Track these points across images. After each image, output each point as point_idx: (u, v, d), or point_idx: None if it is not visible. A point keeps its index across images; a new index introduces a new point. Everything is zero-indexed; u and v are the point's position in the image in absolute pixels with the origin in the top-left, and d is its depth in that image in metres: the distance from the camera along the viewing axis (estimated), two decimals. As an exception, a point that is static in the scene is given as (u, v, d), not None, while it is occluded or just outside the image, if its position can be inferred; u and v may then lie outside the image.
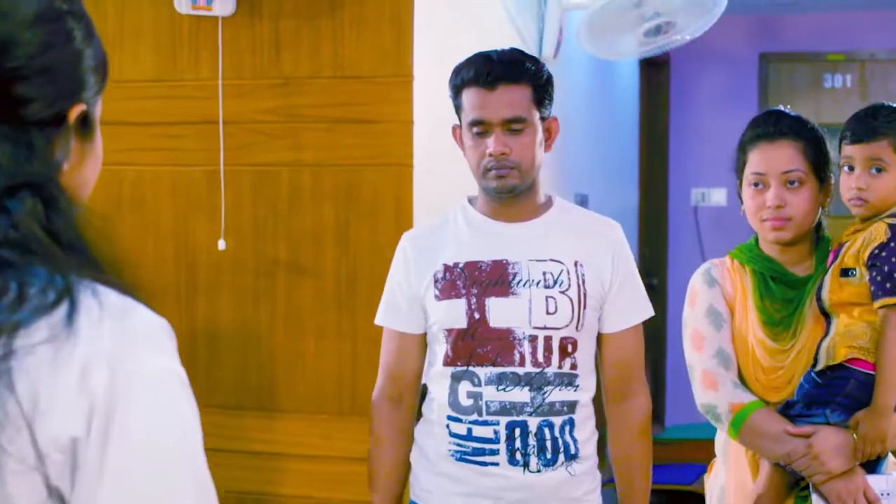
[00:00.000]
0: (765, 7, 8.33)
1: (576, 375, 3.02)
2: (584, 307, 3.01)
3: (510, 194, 3.03)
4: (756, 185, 3.07)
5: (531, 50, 5.10)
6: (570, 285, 3.01)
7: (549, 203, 3.13)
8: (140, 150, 4.20)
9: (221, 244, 4.07)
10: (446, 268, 3.05)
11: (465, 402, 3.02)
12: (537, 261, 3.02)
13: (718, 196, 8.42)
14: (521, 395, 2.98)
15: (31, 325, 1.21)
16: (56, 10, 1.37)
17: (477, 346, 3.00)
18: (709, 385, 3.06)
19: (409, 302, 3.11)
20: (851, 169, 3.01)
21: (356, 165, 4.00)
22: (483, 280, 3.01)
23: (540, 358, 2.98)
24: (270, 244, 4.11)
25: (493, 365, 2.98)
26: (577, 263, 3.03)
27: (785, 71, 8.65)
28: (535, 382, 2.98)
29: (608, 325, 3.09)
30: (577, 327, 3.01)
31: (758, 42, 8.68)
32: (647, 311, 3.14)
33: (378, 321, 3.19)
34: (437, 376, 3.08)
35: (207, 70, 4.12)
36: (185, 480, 1.26)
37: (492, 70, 2.99)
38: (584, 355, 3.04)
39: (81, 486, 1.21)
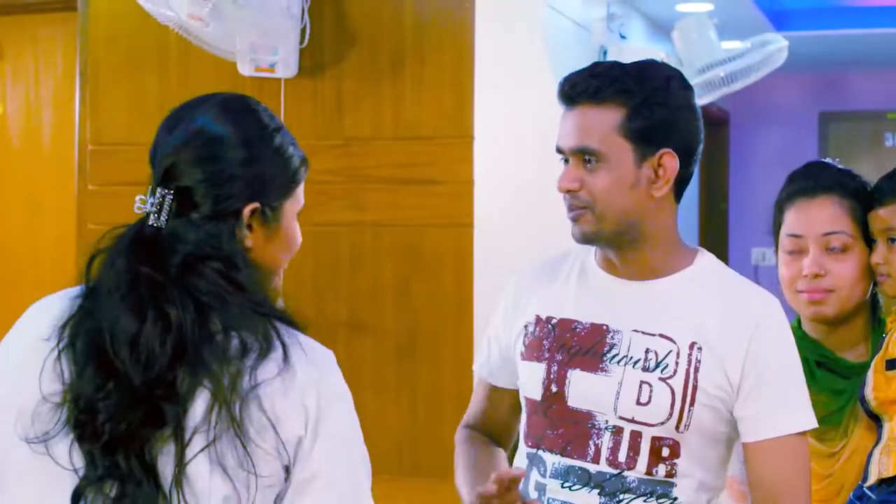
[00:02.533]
0: (824, 65, 8.30)
1: (672, 485, 2.28)
2: (692, 403, 2.26)
3: (591, 244, 2.37)
4: (791, 250, 2.58)
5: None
6: (675, 372, 2.27)
7: (687, 259, 2.38)
8: (202, 210, 4.23)
9: (280, 303, 4.07)
10: (538, 320, 2.41)
11: (533, 493, 2.37)
12: (643, 333, 2.30)
13: (779, 255, 8.37)
14: (589, 498, 2.30)
15: (262, 365, 1.78)
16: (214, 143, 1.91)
17: (549, 426, 2.35)
18: (738, 497, 2.54)
19: (502, 350, 2.50)
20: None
21: (417, 225, 4.01)
22: (573, 345, 2.35)
23: (620, 457, 2.28)
24: (331, 303, 4.12)
25: (562, 454, 2.33)
26: (693, 346, 2.27)
27: (845, 130, 8.62)
28: (609, 487, 2.28)
29: (746, 432, 2.29)
30: (677, 427, 2.26)
31: (818, 100, 8.65)
32: (805, 421, 2.30)
33: (474, 367, 2.63)
34: (519, 455, 2.46)
35: (269, 131, 4.15)
36: (360, 458, 1.88)
37: (573, 83, 2.31)
38: (695, 464, 2.30)
39: (300, 464, 1.81)
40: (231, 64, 4.04)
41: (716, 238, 8.51)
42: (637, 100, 2.26)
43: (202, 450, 1.75)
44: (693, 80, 5.16)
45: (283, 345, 1.82)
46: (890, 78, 8.45)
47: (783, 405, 2.28)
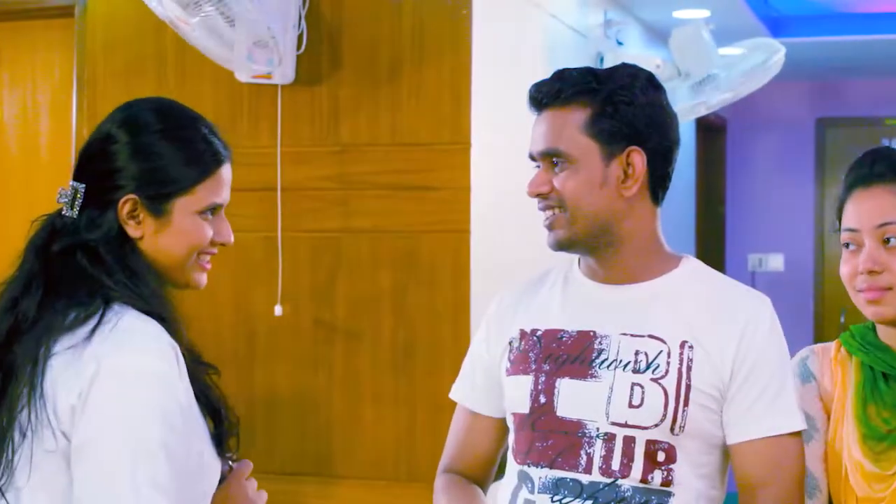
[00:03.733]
0: (821, 72, 8.31)
1: (669, 494, 2.21)
2: (686, 404, 2.20)
3: (567, 251, 2.33)
4: (848, 245, 2.32)
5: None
6: (667, 372, 2.21)
7: (672, 263, 2.35)
8: (200, 217, 4.23)
9: (278, 310, 4.08)
10: (523, 334, 2.36)
11: None
12: (632, 336, 2.25)
13: (776, 262, 8.35)
14: None
15: (64, 336, 1.93)
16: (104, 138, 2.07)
17: (537, 439, 2.27)
18: None
19: (487, 374, 2.44)
20: None
21: (414, 232, 4.01)
22: (560, 355, 2.29)
23: (614, 465, 2.20)
24: (328, 310, 4.12)
25: (551, 466, 2.24)
26: (684, 344, 2.23)
27: (842, 136, 8.62)
28: (603, 497, 2.20)
29: (732, 432, 2.24)
30: (672, 429, 2.20)
31: (814, 107, 8.67)
32: (793, 422, 2.25)
33: (451, 394, 2.56)
34: (508, 475, 2.37)
35: (266, 137, 4.16)
36: (135, 439, 1.88)
37: (539, 88, 2.32)
38: (692, 472, 2.23)
39: (74, 432, 1.90)
40: (228, 71, 4.04)
41: (713, 245, 8.52)
42: (600, 98, 2.25)
43: (20, 410, 1.93)
44: (691, 100, 5.19)
45: (99, 322, 1.94)
46: (887, 84, 8.46)
47: (775, 405, 2.23)
